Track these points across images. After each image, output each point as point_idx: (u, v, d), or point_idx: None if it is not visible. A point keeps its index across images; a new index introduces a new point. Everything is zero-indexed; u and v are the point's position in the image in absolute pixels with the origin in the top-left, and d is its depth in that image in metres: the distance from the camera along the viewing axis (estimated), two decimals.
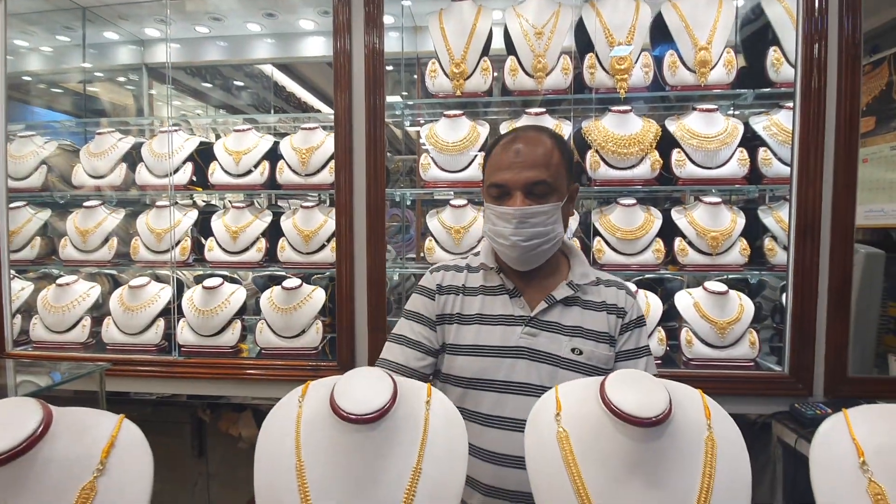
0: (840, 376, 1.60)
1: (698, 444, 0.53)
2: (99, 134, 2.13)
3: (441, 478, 0.53)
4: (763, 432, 1.64)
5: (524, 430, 0.89)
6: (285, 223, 1.97)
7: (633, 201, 1.87)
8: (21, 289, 2.09)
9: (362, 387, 0.54)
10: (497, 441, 0.96)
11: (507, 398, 0.97)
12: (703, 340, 1.72)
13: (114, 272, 2.25)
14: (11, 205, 2.05)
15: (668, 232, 1.85)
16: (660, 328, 1.77)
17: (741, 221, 1.81)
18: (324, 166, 1.94)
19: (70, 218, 2.08)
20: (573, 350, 0.99)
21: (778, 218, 1.82)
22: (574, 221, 1.87)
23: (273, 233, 2.03)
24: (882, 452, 0.47)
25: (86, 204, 2.05)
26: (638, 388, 0.53)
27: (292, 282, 1.87)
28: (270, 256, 2.03)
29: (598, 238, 1.85)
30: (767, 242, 1.82)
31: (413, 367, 1.03)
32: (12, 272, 2.07)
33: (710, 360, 1.70)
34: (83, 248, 2.04)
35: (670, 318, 1.87)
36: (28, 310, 2.10)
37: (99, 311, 2.08)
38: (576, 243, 1.84)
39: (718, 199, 1.84)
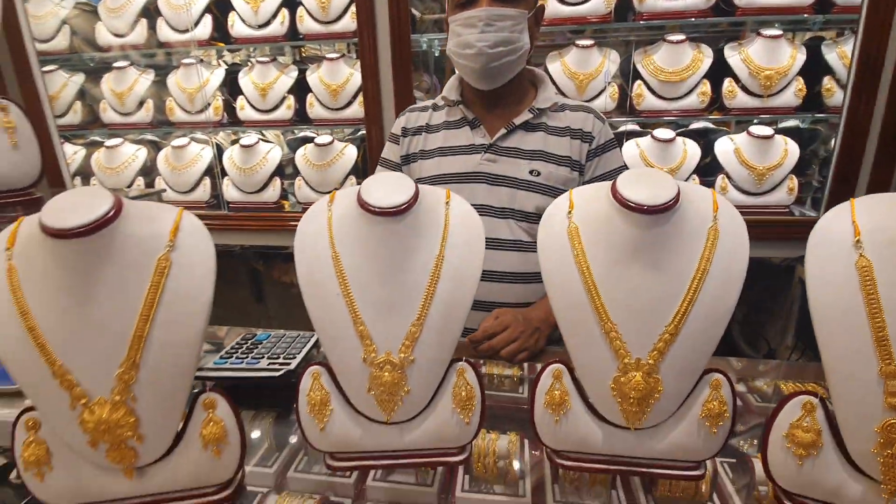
0: None
1: (701, 233, 0.56)
2: None
3: (461, 263, 0.60)
4: (787, 274, 1.68)
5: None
6: (311, 77, 1.93)
7: (682, 37, 1.70)
8: (74, 153, 2.22)
9: (386, 186, 0.59)
10: None
11: None
12: (737, 187, 1.68)
13: (156, 138, 2.32)
14: (44, 68, 2.07)
15: (717, 75, 1.71)
16: (695, 176, 1.73)
17: (801, 58, 1.64)
18: (345, 11, 1.83)
19: (104, 80, 2.10)
20: (531, 172, 1.03)
21: (842, 54, 1.63)
22: (613, 65, 1.74)
23: (301, 92, 2.01)
24: (876, 231, 0.49)
25: (116, 65, 2.06)
26: (648, 182, 0.55)
27: (324, 138, 1.90)
28: (300, 115, 2.03)
29: (638, 82, 1.73)
30: (826, 82, 1.66)
31: None
32: (61, 138, 2.17)
33: (741, 205, 1.68)
34: (122, 111, 2.10)
35: (708, 173, 1.81)
36: (86, 174, 2.24)
37: (149, 178, 2.20)
38: (613, 89, 1.75)
39: (779, 32, 1.65)
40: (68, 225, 0.47)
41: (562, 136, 1.05)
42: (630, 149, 1.70)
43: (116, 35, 2.06)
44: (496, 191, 1.03)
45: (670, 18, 1.68)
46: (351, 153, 1.92)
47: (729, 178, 1.68)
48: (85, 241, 0.48)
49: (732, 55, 1.69)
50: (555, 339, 0.99)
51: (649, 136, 1.69)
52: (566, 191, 1.02)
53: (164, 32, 2.00)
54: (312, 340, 1.01)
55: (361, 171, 2.02)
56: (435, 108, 1.14)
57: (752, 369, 0.94)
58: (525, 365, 0.96)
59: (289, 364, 0.90)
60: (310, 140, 2.01)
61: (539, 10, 1.02)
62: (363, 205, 0.57)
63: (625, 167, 1.09)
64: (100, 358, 0.51)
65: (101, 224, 0.49)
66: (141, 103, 2.08)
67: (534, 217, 1.05)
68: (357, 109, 1.91)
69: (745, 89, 1.68)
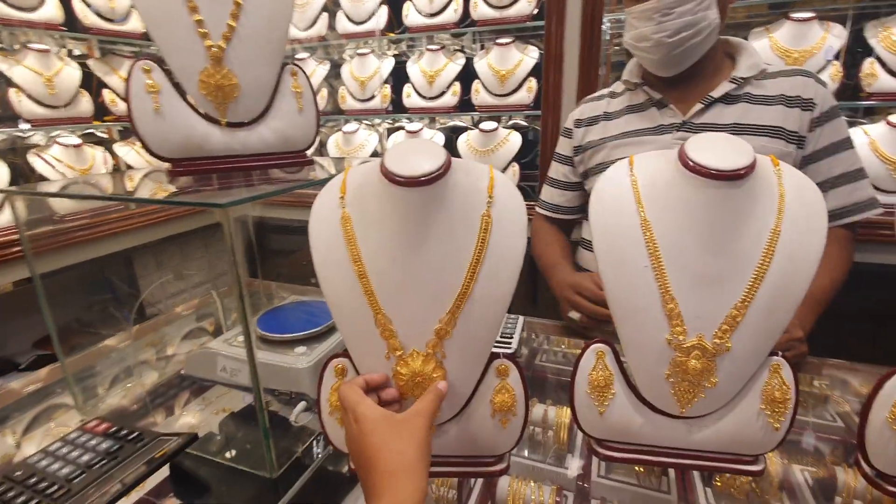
0: None
1: None
2: None
3: (800, 239, 0.51)
4: None
5: None
6: (479, 64, 1.93)
7: None
8: None
9: (716, 147, 0.52)
10: None
11: None
12: None
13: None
14: None
15: None
16: None
17: None
18: None
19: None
20: None
21: None
22: (837, 41, 1.50)
23: (465, 79, 2.01)
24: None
25: (297, 56, 2.24)
26: None
27: (488, 124, 1.88)
28: (463, 102, 2.04)
29: (870, 59, 1.47)
30: None
31: (557, 203, 1.18)
32: None
33: None
34: None
35: None
36: None
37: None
38: (835, 68, 1.50)
39: None
40: (417, 173, 0.47)
41: (772, 105, 0.91)
42: (856, 137, 1.45)
43: (299, 28, 2.24)
44: None
45: None
46: (515, 140, 1.89)
47: None
48: (427, 189, 0.48)
49: None
50: None
51: (883, 122, 1.43)
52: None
53: (343, 24, 2.12)
54: (520, 323, 0.98)
55: (524, 163, 1.98)
56: (612, 95, 1.06)
57: None
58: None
59: (509, 343, 0.88)
60: (460, 130, 2.02)
61: None
62: (691, 167, 0.50)
63: (850, 139, 0.92)
64: (419, 310, 0.51)
65: (442, 173, 0.48)
66: (317, 91, 2.24)
67: None
68: (524, 96, 1.87)
69: None
